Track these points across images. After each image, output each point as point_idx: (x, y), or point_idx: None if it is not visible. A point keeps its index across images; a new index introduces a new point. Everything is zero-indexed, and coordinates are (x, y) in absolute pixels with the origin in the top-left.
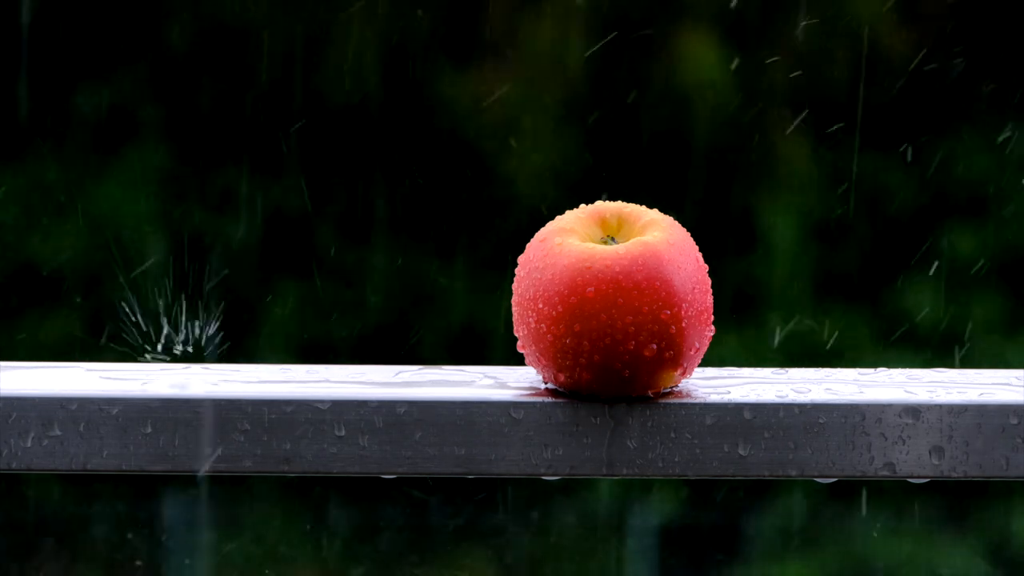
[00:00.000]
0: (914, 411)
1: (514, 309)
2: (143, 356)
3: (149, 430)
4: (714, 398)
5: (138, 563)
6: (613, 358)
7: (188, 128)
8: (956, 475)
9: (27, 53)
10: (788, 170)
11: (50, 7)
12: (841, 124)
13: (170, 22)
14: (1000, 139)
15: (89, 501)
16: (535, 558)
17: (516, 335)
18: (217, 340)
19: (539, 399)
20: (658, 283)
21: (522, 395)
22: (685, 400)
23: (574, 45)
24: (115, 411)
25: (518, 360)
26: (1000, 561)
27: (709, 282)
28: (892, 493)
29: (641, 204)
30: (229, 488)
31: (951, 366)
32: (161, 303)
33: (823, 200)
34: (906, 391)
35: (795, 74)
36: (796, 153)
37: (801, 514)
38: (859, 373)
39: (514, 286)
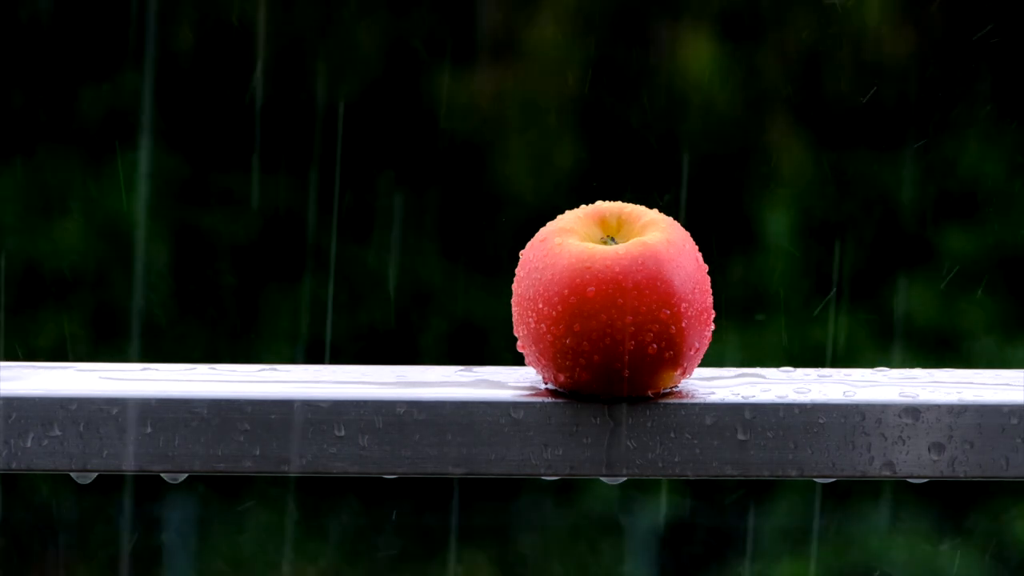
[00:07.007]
0: (914, 411)
1: (514, 309)
2: (143, 356)
3: (149, 430)
4: (714, 398)
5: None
6: (613, 358)
7: (188, 128)
8: (956, 475)
9: (29, 53)
10: (788, 170)
11: (51, 7)
12: (841, 124)
13: (171, 23)
14: (1000, 139)
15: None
16: (535, 558)
17: (516, 335)
18: (215, 339)
19: (539, 399)
20: (658, 283)
21: (522, 395)
22: (685, 400)
23: (573, 44)
24: (115, 411)
25: (518, 360)
26: (1000, 561)
27: (709, 282)
28: (892, 493)
29: (640, 204)
30: (229, 487)
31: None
32: (161, 303)
33: (823, 200)
34: (906, 391)
35: (795, 73)
36: (796, 153)
37: (801, 514)
38: (859, 373)
39: (514, 286)
